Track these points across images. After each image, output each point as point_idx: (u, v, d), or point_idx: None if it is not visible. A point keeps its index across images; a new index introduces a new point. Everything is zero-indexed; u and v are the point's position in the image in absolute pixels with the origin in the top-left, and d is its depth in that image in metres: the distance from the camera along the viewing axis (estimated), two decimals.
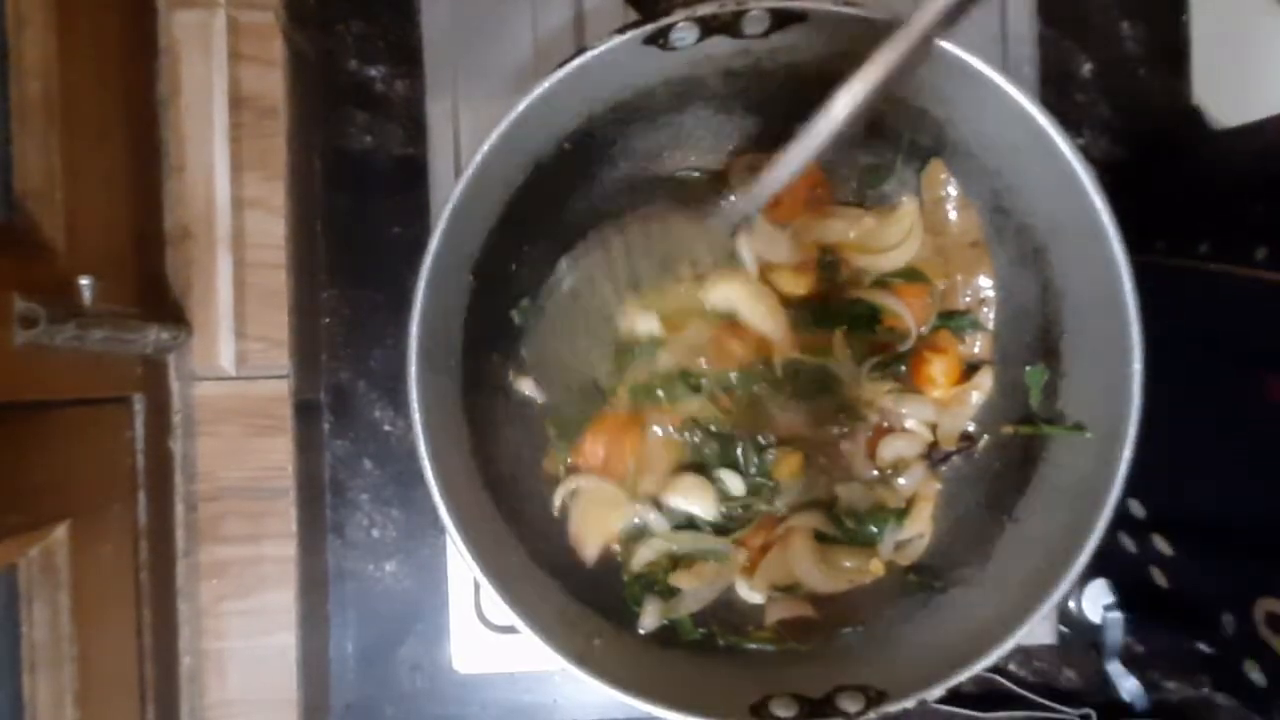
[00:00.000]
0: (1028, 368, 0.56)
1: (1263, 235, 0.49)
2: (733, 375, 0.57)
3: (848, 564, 0.58)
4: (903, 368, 0.59)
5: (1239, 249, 0.50)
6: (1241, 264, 0.50)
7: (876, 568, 0.58)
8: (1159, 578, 0.58)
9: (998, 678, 0.65)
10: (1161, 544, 0.57)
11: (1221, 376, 0.52)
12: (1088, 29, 0.67)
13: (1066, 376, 0.54)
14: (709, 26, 0.47)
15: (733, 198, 0.50)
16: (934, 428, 0.59)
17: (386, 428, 0.66)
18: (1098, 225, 0.48)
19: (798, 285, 0.57)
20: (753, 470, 0.59)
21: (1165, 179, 0.64)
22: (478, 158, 0.47)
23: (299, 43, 0.63)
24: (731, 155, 0.60)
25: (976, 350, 0.60)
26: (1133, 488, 0.48)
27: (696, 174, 0.60)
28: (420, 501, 0.66)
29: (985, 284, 0.59)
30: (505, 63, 0.63)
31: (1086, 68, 0.67)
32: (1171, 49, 0.67)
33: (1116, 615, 0.61)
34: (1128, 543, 0.59)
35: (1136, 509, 0.58)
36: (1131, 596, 0.61)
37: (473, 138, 0.63)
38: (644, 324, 0.57)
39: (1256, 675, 0.51)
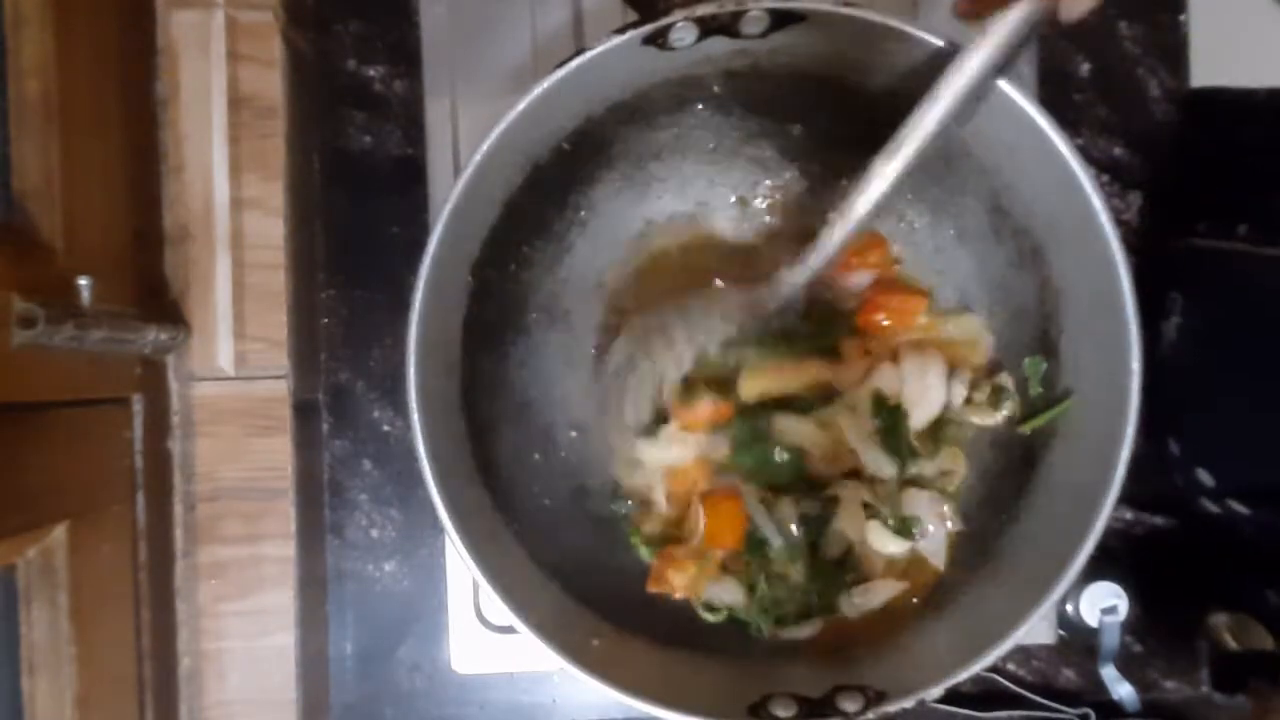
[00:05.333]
0: (1026, 359, 0.56)
1: None
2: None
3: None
4: None
5: (1274, 231, 0.51)
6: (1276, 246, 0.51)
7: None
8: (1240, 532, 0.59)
9: (997, 677, 0.65)
10: (1238, 506, 0.58)
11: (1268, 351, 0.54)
12: (1086, 29, 0.67)
13: (1066, 374, 0.54)
14: (707, 27, 0.47)
15: (783, 270, 0.51)
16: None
17: (385, 428, 0.66)
18: (1096, 225, 0.48)
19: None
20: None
21: (1190, 161, 0.65)
22: (476, 158, 0.47)
23: (297, 43, 0.63)
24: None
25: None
26: (1199, 458, 0.52)
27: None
28: (419, 502, 0.66)
29: None
30: (504, 63, 0.63)
31: (1085, 67, 0.67)
32: (1170, 49, 0.67)
33: (1114, 619, 0.61)
34: (1209, 505, 0.60)
35: (1205, 478, 0.59)
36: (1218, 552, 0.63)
37: (471, 138, 0.62)
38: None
39: None
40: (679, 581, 0.57)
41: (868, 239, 0.59)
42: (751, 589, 0.58)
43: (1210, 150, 0.64)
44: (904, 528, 0.57)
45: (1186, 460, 0.58)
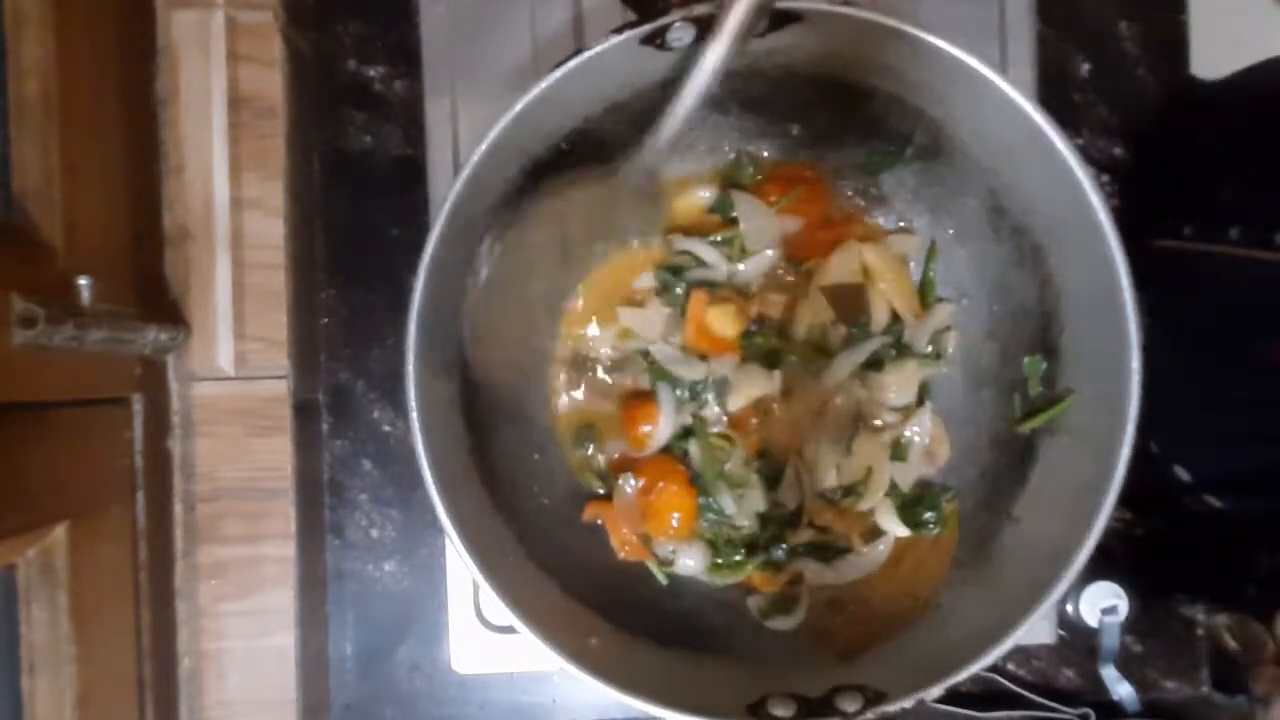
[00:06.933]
0: (1026, 359, 0.56)
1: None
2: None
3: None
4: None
5: (1263, 233, 0.53)
6: (1266, 248, 0.53)
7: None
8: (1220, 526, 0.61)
9: (997, 677, 0.65)
10: (1214, 500, 0.59)
11: (1245, 350, 0.55)
12: (1086, 28, 0.67)
13: (1066, 374, 0.54)
14: (706, 26, 0.47)
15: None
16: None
17: (385, 428, 0.66)
18: (1096, 225, 0.48)
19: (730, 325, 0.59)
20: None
21: (1177, 160, 0.65)
22: (475, 158, 0.47)
23: (297, 43, 0.63)
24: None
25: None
26: (1175, 456, 0.56)
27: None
28: (419, 502, 0.66)
29: None
30: (504, 63, 0.63)
31: (1085, 67, 0.67)
32: (1170, 48, 0.67)
33: (1114, 619, 0.61)
34: (1189, 502, 0.61)
35: (1183, 475, 0.60)
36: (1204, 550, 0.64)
37: (471, 138, 0.62)
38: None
39: None
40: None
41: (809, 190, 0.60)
42: (712, 545, 0.59)
43: (1171, 151, 0.65)
44: (900, 451, 0.58)
45: (1165, 459, 0.60)
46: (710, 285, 0.60)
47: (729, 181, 0.60)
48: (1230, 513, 0.59)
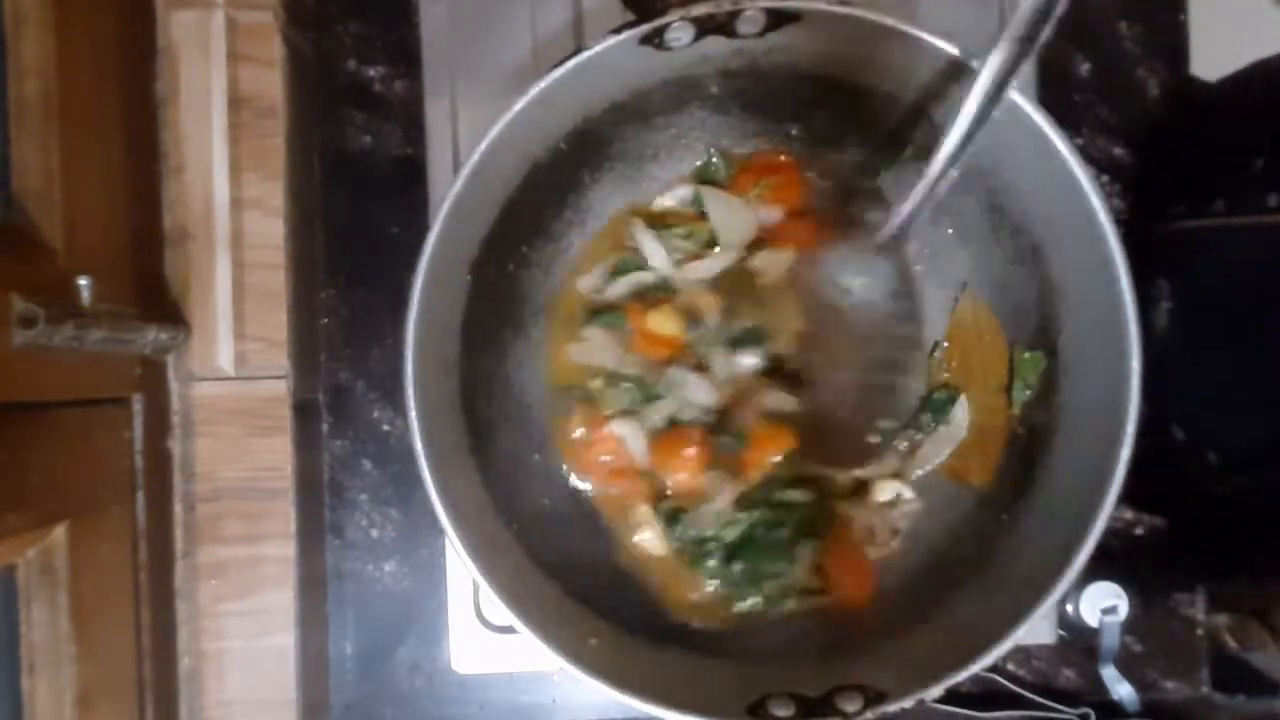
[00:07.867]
0: (1026, 354, 0.56)
1: None
2: None
3: None
4: None
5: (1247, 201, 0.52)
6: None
7: None
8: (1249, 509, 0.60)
9: (997, 677, 0.65)
10: (1243, 480, 0.58)
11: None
12: (1085, 28, 0.67)
13: (1066, 374, 0.54)
14: (704, 27, 0.47)
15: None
16: None
17: (385, 428, 0.66)
18: (1095, 224, 0.48)
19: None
20: None
21: (1177, 162, 0.65)
22: (475, 157, 0.47)
23: (297, 43, 0.63)
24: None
25: None
26: (1204, 439, 0.54)
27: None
28: (419, 502, 0.66)
29: None
30: (504, 63, 0.63)
31: (1084, 67, 0.67)
32: (1170, 48, 0.67)
33: (1114, 619, 0.61)
34: (1218, 489, 0.60)
35: (1213, 459, 0.59)
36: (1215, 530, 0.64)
37: (471, 138, 0.62)
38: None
39: None
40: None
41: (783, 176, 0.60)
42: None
43: (1188, 134, 0.64)
44: None
45: (1192, 444, 0.59)
46: (647, 291, 0.60)
47: (703, 178, 0.60)
48: (1263, 490, 0.57)
